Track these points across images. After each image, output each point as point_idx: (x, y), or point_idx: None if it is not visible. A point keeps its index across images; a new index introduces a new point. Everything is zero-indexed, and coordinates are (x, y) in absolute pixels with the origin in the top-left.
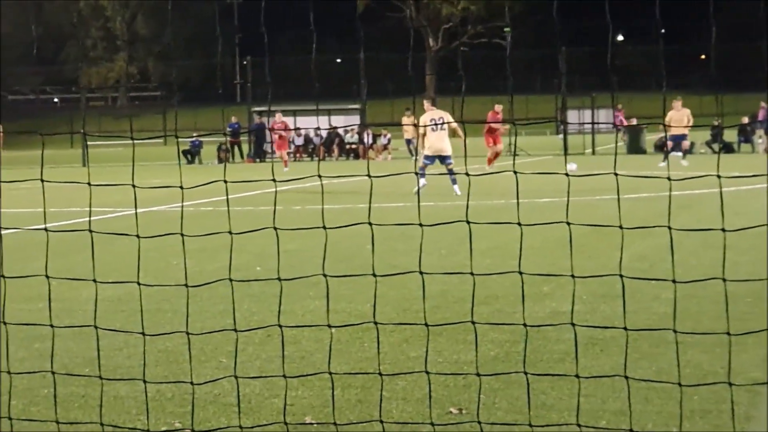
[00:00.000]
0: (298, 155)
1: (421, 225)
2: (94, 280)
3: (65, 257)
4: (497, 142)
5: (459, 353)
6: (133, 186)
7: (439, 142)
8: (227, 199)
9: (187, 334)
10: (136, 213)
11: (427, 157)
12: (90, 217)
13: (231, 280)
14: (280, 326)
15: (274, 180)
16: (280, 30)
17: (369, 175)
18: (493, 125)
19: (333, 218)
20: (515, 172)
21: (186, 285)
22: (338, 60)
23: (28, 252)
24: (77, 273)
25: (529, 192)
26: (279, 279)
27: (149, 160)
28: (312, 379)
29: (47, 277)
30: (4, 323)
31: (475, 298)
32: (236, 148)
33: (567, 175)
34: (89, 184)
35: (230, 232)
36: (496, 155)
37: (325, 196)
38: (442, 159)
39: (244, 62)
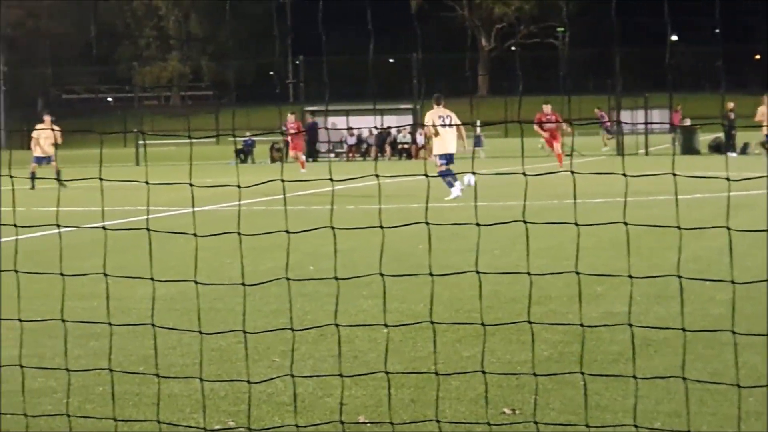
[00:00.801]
0: (350, 155)
1: (478, 225)
2: (152, 279)
3: (117, 256)
4: (557, 140)
5: (512, 353)
6: (191, 185)
7: (450, 140)
8: (284, 198)
9: (244, 332)
10: (193, 212)
11: (443, 156)
12: (148, 215)
13: (288, 279)
14: (337, 325)
15: (331, 179)
16: (330, 29)
17: (426, 175)
18: (547, 127)
19: (386, 218)
20: (572, 173)
21: (243, 284)
22: (391, 60)
23: (81, 250)
24: (130, 271)
25: (582, 193)
26: (336, 278)
27: (200, 160)
28: (365, 379)
29: (105, 275)
30: (63, 321)
31: (528, 299)
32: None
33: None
34: (147, 183)
35: (287, 231)
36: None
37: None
38: (444, 158)
39: (297, 62)
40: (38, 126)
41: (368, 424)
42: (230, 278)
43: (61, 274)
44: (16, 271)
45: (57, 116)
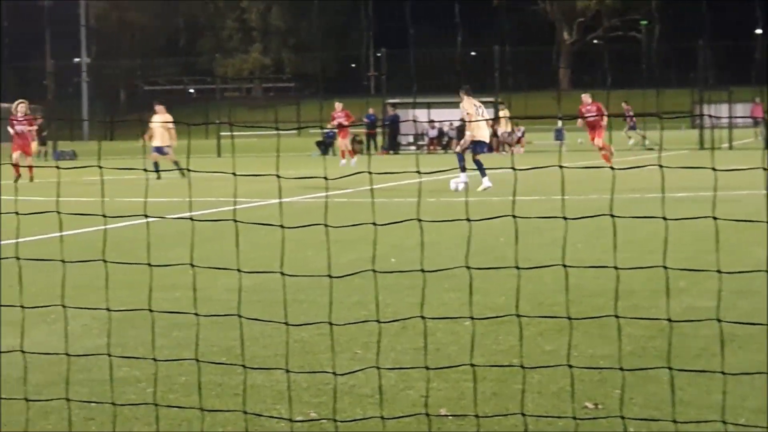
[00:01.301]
0: (431, 147)
1: (564, 218)
2: (238, 270)
3: (199, 246)
4: (599, 135)
5: (594, 347)
6: (278, 176)
7: (485, 130)
8: (371, 189)
9: (330, 324)
10: (280, 204)
11: (481, 144)
12: (235, 206)
13: (374, 271)
14: (423, 318)
15: (418, 172)
16: (412, 22)
17: (513, 168)
18: (590, 120)
19: (467, 211)
20: (660, 166)
21: (329, 276)
22: (473, 53)
23: (164, 241)
24: (211, 262)
25: (665, 187)
26: (422, 270)
27: (282, 151)
28: (447, 372)
29: (192, 266)
30: (150, 311)
31: (612, 293)
32: (371, 140)
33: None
34: (234, 174)
35: (374, 224)
36: (605, 155)
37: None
38: (482, 146)
39: (378, 54)
40: (154, 118)
41: (450, 417)
42: (312, 270)
43: (149, 265)
44: (105, 261)
45: (140, 108)
